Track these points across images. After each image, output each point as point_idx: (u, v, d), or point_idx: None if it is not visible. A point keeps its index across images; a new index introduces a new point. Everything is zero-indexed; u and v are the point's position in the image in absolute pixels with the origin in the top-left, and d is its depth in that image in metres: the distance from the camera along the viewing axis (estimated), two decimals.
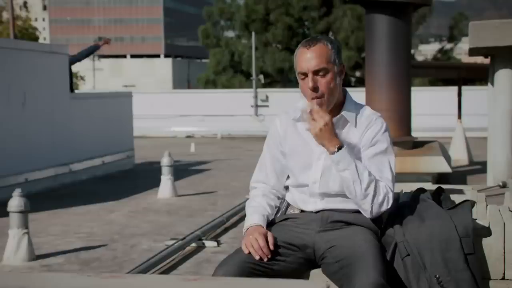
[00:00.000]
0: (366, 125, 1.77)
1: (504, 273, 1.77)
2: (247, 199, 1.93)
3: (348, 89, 1.88)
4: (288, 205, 1.87)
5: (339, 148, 1.70)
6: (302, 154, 1.80)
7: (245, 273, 1.66)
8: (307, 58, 1.72)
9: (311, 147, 1.79)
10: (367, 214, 1.73)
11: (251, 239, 1.68)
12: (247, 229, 1.75)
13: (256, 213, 1.78)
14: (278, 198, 1.86)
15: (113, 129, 6.99)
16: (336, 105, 1.77)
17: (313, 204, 1.80)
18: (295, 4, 17.97)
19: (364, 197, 1.71)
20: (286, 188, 1.87)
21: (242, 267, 1.67)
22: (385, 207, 1.73)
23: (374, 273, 1.59)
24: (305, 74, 1.74)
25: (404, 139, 5.14)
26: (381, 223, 1.81)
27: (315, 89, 1.72)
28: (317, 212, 1.80)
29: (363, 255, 1.65)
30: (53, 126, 5.91)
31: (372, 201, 1.71)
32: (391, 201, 1.73)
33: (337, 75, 1.75)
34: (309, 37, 1.83)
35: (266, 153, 1.87)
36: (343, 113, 1.77)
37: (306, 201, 1.81)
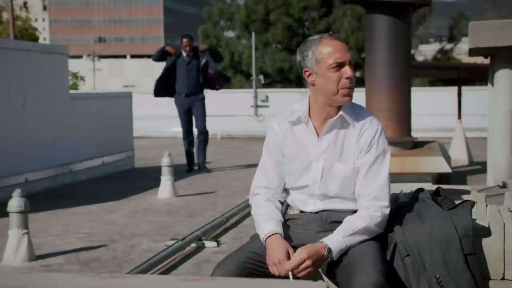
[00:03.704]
0: (361, 126, 1.78)
1: (504, 273, 1.77)
2: (247, 199, 1.93)
3: None
4: (288, 206, 1.87)
5: (329, 251, 1.67)
6: (301, 157, 1.80)
7: (243, 273, 1.66)
8: (344, 49, 1.74)
9: (309, 150, 1.80)
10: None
11: (277, 264, 1.66)
12: (267, 237, 1.72)
13: (270, 219, 1.76)
14: (280, 201, 1.85)
15: (113, 129, 6.99)
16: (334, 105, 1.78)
17: (313, 205, 1.80)
18: (295, 4, 17.97)
19: (374, 233, 1.74)
20: (285, 190, 1.87)
21: (241, 267, 1.67)
22: (386, 219, 1.76)
23: (374, 273, 1.59)
24: (341, 65, 1.74)
25: (404, 139, 5.13)
26: None
27: (352, 79, 1.75)
28: (316, 212, 1.80)
29: (362, 255, 1.66)
30: (53, 126, 5.91)
31: (380, 228, 1.75)
32: (387, 212, 1.76)
33: None
34: (310, 37, 1.84)
35: (266, 156, 1.86)
36: (341, 113, 1.78)
37: (305, 201, 1.82)
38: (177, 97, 6.44)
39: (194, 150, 6.65)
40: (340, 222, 1.77)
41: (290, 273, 1.65)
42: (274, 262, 1.67)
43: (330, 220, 1.78)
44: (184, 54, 6.45)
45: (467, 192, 2.30)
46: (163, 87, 6.45)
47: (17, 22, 27.35)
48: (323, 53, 1.74)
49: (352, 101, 1.84)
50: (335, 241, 1.68)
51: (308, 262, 1.64)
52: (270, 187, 1.84)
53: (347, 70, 1.73)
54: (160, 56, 6.45)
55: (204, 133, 6.50)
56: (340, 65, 1.74)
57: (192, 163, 6.60)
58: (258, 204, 1.83)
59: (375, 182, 1.75)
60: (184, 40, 6.48)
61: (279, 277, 1.67)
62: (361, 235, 1.70)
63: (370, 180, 1.75)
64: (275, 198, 1.84)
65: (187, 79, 6.41)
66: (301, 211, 1.83)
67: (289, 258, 1.67)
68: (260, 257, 1.72)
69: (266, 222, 1.75)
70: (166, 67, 6.40)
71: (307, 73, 1.78)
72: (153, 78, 6.96)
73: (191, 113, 6.46)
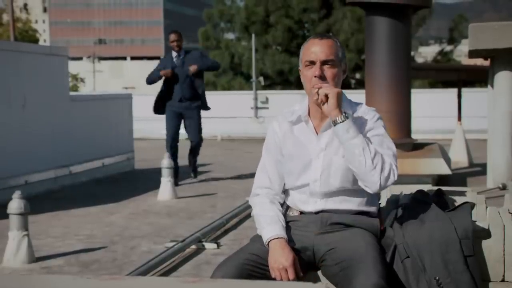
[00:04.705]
0: (360, 117, 1.80)
1: (503, 275, 1.77)
2: (247, 201, 1.94)
3: (348, 91, 1.91)
4: (288, 207, 1.86)
5: (346, 117, 1.72)
6: (301, 156, 1.81)
7: (243, 275, 1.66)
8: (318, 48, 1.76)
9: (308, 148, 1.80)
10: (375, 187, 1.71)
11: (282, 270, 1.66)
12: (270, 240, 1.71)
13: (275, 223, 1.75)
14: (280, 203, 1.85)
15: (113, 131, 6.99)
16: None
17: (313, 204, 1.80)
18: (295, 6, 18.00)
19: (373, 168, 1.70)
20: (284, 191, 1.87)
21: (241, 269, 1.67)
22: (391, 180, 1.72)
23: (374, 275, 1.59)
24: (312, 63, 1.76)
25: (404, 141, 5.13)
26: (381, 225, 1.82)
27: (321, 77, 1.74)
28: (316, 213, 1.80)
29: (363, 257, 1.65)
30: (53, 128, 5.92)
31: (380, 172, 1.70)
32: (396, 174, 1.72)
33: (341, 72, 1.79)
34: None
35: (267, 157, 1.86)
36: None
37: (306, 201, 1.81)
38: (169, 102, 5.71)
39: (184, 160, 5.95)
40: (340, 224, 1.77)
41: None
42: (278, 268, 1.67)
43: (330, 222, 1.78)
44: (173, 54, 5.74)
45: (467, 194, 2.30)
46: (164, 102, 5.76)
47: (17, 24, 27.39)
48: (302, 51, 1.80)
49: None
50: (353, 122, 1.71)
51: (336, 90, 1.69)
52: (271, 187, 1.84)
53: (316, 68, 1.75)
54: (154, 80, 5.78)
55: (198, 144, 5.82)
56: (312, 63, 1.76)
57: (178, 176, 5.75)
58: (260, 204, 1.82)
59: (383, 146, 1.75)
60: (172, 35, 5.70)
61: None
62: (370, 148, 1.70)
63: (385, 148, 1.75)
64: (276, 199, 1.84)
65: (179, 83, 5.66)
66: (301, 212, 1.83)
67: (294, 266, 1.67)
68: (261, 259, 1.72)
69: (270, 225, 1.75)
70: (163, 86, 5.75)
71: (300, 72, 1.84)
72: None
73: (181, 120, 5.74)
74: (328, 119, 1.78)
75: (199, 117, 5.80)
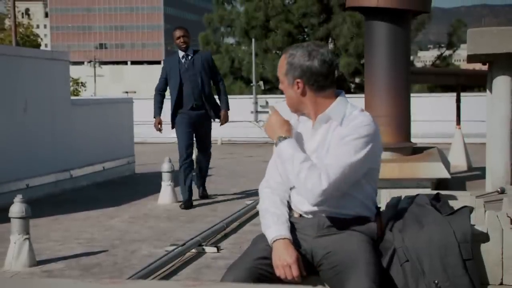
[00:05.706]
0: (349, 122, 1.77)
1: (502, 279, 1.79)
2: (247, 205, 1.95)
3: (347, 95, 1.91)
4: (290, 208, 1.88)
5: (284, 139, 1.76)
6: None
7: (253, 277, 1.67)
8: (279, 63, 1.87)
9: (304, 148, 1.82)
10: (309, 202, 1.75)
11: (286, 267, 1.67)
12: (275, 240, 1.72)
13: (282, 223, 1.76)
14: (288, 201, 1.87)
15: (114, 135, 7.01)
16: (324, 108, 1.80)
17: (308, 205, 1.81)
18: (294, 11, 18.06)
19: (303, 186, 1.72)
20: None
21: (251, 272, 1.68)
22: (318, 191, 1.69)
23: (365, 279, 1.60)
24: None
25: (403, 145, 5.14)
26: (380, 229, 1.83)
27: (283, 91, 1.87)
28: (313, 213, 1.80)
29: (355, 261, 1.66)
30: (54, 132, 5.94)
31: (305, 187, 1.71)
32: (325, 183, 1.68)
33: (289, 85, 1.81)
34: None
35: None
36: (327, 111, 1.79)
37: (303, 202, 1.82)
38: (180, 110, 5.06)
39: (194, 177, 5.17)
40: (336, 227, 1.78)
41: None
42: (282, 264, 1.68)
43: (327, 225, 1.79)
44: (180, 54, 5.00)
45: (466, 198, 2.31)
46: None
47: (19, 29, 27.46)
48: None
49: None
50: (289, 145, 1.76)
51: (271, 115, 1.79)
52: (282, 183, 1.85)
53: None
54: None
55: (205, 158, 5.23)
56: None
57: (191, 196, 5.00)
58: (270, 200, 1.82)
59: (331, 157, 1.71)
60: (177, 31, 4.93)
61: (285, 281, 1.68)
62: (296, 168, 1.72)
63: (333, 156, 1.71)
64: (285, 198, 1.84)
65: (190, 87, 4.99)
66: (300, 215, 1.84)
67: (298, 263, 1.69)
68: (268, 260, 1.73)
69: (277, 224, 1.76)
70: (173, 94, 5.15)
71: None
72: (153, 84, 6.49)
73: (194, 129, 5.09)
74: (318, 118, 1.80)
75: (210, 132, 5.26)
